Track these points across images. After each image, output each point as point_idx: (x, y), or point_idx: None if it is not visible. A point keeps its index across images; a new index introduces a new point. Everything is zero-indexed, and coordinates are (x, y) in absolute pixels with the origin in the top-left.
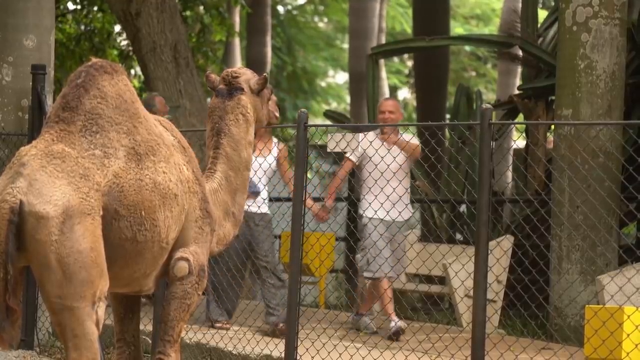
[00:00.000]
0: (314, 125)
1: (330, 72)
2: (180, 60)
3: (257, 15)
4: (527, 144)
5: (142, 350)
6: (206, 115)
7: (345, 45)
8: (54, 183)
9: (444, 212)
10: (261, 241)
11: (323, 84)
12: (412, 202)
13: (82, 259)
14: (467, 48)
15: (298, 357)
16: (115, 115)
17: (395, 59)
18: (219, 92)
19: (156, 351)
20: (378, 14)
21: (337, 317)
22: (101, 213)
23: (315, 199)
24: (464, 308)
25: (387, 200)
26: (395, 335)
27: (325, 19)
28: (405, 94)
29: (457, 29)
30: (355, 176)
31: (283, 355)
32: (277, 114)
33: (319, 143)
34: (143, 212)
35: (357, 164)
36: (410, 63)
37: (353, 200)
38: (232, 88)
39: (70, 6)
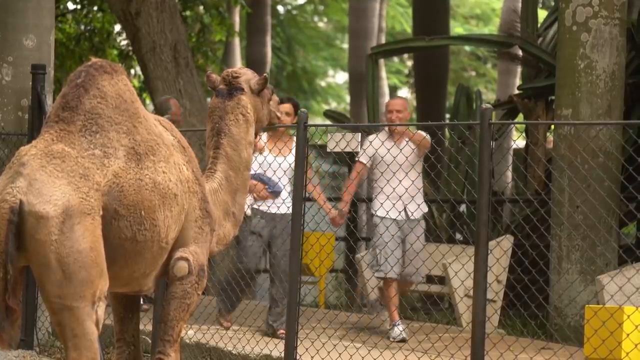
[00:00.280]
0: (314, 125)
1: (330, 72)
2: (180, 60)
3: (257, 15)
4: (526, 144)
5: (142, 350)
6: (206, 115)
7: (345, 45)
8: (54, 183)
9: (443, 212)
10: (280, 243)
11: (323, 83)
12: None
13: (82, 259)
14: (467, 48)
15: (298, 357)
16: (115, 115)
17: (395, 59)
18: (219, 92)
19: (156, 351)
20: (378, 14)
21: (336, 317)
22: (101, 213)
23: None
24: (464, 308)
25: (399, 199)
26: (400, 342)
27: (325, 19)
28: (405, 93)
29: (457, 28)
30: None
31: (283, 355)
32: (280, 115)
33: (319, 143)
34: (143, 212)
35: (368, 166)
36: (410, 63)
37: (353, 201)
38: (232, 88)
39: (70, 6)
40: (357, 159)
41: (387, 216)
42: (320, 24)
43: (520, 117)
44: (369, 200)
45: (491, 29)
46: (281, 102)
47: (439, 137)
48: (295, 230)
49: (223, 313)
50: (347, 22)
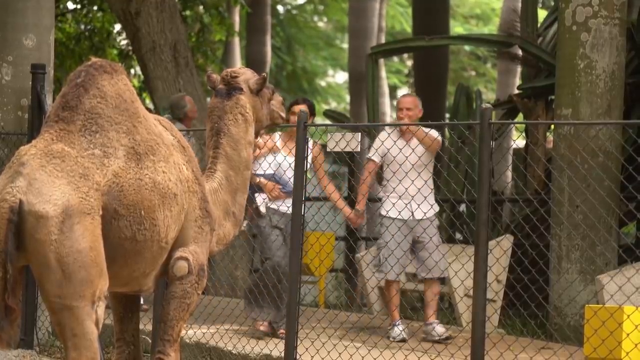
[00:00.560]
0: (314, 125)
1: (330, 72)
2: (180, 60)
3: (256, 15)
4: (526, 144)
5: (142, 350)
6: (206, 114)
7: (345, 45)
8: (54, 182)
9: (443, 212)
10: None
11: (323, 83)
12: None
13: (82, 259)
14: (467, 47)
15: (297, 357)
16: (114, 115)
17: (395, 59)
18: (218, 92)
19: (156, 350)
20: (378, 14)
21: (336, 317)
22: (101, 212)
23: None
24: (464, 307)
25: (407, 198)
26: (400, 342)
27: (325, 19)
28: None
29: (456, 28)
30: (355, 175)
31: (282, 354)
32: (284, 115)
33: (319, 142)
34: (142, 212)
35: (379, 164)
36: (410, 62)
37: (353, 200)
38: (231, 88)
39: (70, 5)
40: (368, 156)
41: (398, 217)
42: (320, 24)
43: (520, 117)
44: (378, 199)
45: (491, 28)
46: (296, 102)
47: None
48: (295, 230)
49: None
50: (347, 22)
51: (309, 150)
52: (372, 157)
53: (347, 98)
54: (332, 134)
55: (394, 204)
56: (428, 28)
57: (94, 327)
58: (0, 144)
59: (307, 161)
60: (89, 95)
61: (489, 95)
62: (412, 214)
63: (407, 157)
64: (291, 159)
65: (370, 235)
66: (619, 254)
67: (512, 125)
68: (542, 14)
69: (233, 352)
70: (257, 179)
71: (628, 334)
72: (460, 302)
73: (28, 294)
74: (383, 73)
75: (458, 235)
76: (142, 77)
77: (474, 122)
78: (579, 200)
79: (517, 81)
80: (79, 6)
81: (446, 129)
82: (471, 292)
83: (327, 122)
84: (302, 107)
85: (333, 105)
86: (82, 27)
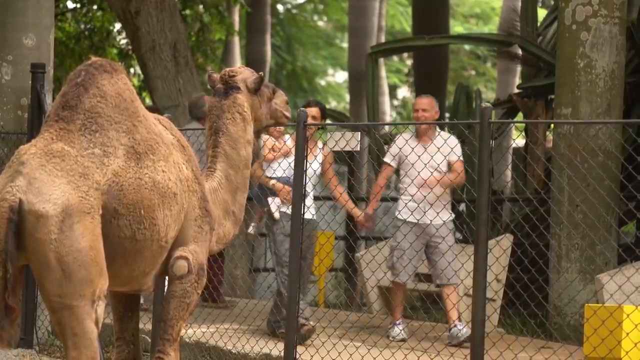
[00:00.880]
0: (314, 125)
1: (330, 71)
2: (180, 59)
3: (256, 14)
4: (526, 143)
5: (142, 349)
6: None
7: (345, 44)
8: (54, 182)
9: None
10: (305, 248)
11: (323, 82)
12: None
13: (82, 258)
14: (467, 47)
15: (297, 356)
16: (114, 114)
17: (395, 58)
18: (216, 92)
19: (155, 350)
20: (378, 13)
21: (336, 316)
22: (100, 212)
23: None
24: (463, 307)
25: (423, 201)
26: (400, 341)
27: (325, 18)
28: (404, 92)
29: (456, 27)
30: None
31: (282, 354)
32: (288, 114)
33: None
34: (142, 211)
35: (394, 166)
36: (409, 62)
37: (353, 200)
38: (229, 87)
39: (70, 5)
40: (385, 161)
41: (412, 220)
42: (320, 23)
43: (519, 116)
44: (392, 200)
45: (491, 28)
46: (308, 105)
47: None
48: (295, 229)
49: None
50: (347, 21)
51: (319, 151)
52: (389, 162)
53: (347, 97)
54: (332, 134)
55: (406, 204)
56: (428, 27)
57: (94, 327)
58: (0, 144)
59: (317, 161)
60: (88, 95)
61: (489, 95)
62: (428, 216)
63: (419, 156)
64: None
65: (369, 234)
66: (618, 253)
67: (512, 124)
68: (542, 13)
69: (233, 351)
70: (271, 182)
71: (628, 333)
72: (460, 301)
73: (28, 293)
74: (383, 72)
75: (458, 235)
76: (141, 76)
77: (474, 121)
78: (578, 200)
79: (517, 80)
80: (78, 5)
81: (446, 128)
82: (471, 291)
83: (327, 121)
84: (315, 110)
85: (333, 104)
86: (82, 26)
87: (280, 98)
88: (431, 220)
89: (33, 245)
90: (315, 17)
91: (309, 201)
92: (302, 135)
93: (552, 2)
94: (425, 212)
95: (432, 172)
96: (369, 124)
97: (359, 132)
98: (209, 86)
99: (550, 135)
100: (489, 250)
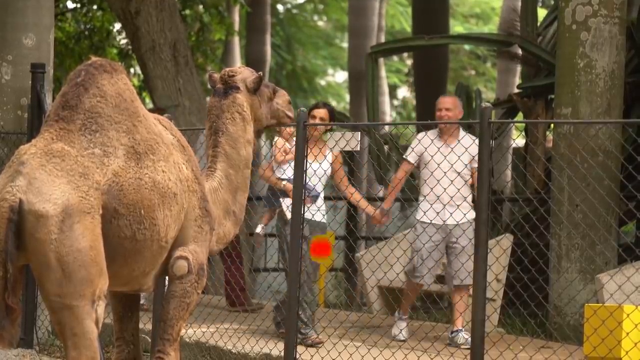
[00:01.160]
0: (314, 124)
1: (330, 71)
2: (180, 59)
3: (256, 14)
4: (526, 143)
5: (142, 349)
6: (205, 114)
7: (345, 44)
8: (54, 182)
9: None
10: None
11: (323, 82)
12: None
13: (82, 258)
14: (467, 47)
15: (297, 356)
16: (114, 114)
17: (395, 58)
18: (216, 92)
19: (155, 350)
20: (378, 13)
21: (336, 316)
22: (100, 212)
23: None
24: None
25: (444, 201)
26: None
27: (325, 18)
28: (404, 92)
29: (456, 27)
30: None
31: (282, 354)
32: (291, 114)
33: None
34: (142, 211)
35: (415, 165)
36: (409, 62)
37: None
38: (228, 87)
39: (70, 5)
40: (404, 156)
41: (436, 221)
42: (320, 23)
43: (519, 116)
44: (407, 200)
45: (491, 27)
46: (316, 107)
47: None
48: (295, 229)
49: (309, 334)
50: (347, 21)
51: (329, 152)
52: (408, 158)
53: (347, 97)
54: (332, 134)
55: (431, 204)
56: (428, 27)
57: (94, 326)
58: (0, 144)
59: (327, 161)
60: (88, 95)
61: (489, 95)
62: (449, 217)
63: (445, 156)
64: (316, 165)
65: (369, 234)
66: (618, 253)
67: (512, 124)
68: (541, 13)
69: (233, 351)
70: (282, 184)
71: (628, 333)
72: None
73: (28, 293)
74: (383, 72)
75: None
76: (141, 76)
77: (474, 121)
78: (578, 200)
79: (517, 80)
80: (78, 5)
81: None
82: (471, 292)
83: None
84: (323, 112)
85: (333, 104)
86: (82, 26)
87: (283, 98)
88: (458, 222)
89: (33, 245)
90: (315, 17)
91: (319, 202)
92: (302, 135)
93: (552, 2)
94: (451, 214)
95: (458, 173)
96: (369, 124)
97: (359, 132)
98: (209, 86)
99: (550, 135)
100: (489, 250)
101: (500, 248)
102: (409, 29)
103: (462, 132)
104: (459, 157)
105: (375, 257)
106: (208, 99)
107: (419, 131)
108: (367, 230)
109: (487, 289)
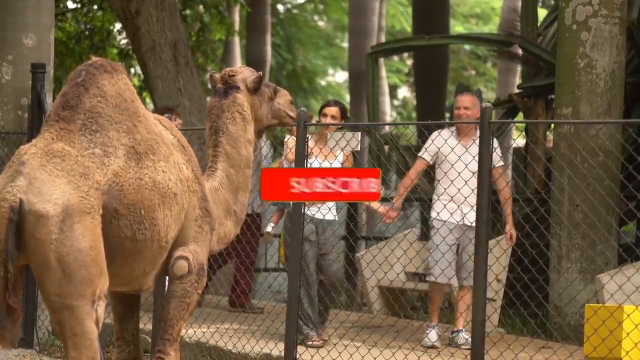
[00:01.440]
0: (314, 124)
1: (330, 71)
2: (180, 59)
3: (256, 14)
4: (526, 143)
5: (142, 349)
6: (206, 114)
7: (345, 44)
8: (54, 182)
9: None
10: (326, 250)
11: (323, 82)
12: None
13: (82, 258)
14: (467, 47)
15: (297, 356)
16: (115, 114)
17: (395, 58)
18: (216, 92)
19: (156, 350)
20: (378, 13)
21: (336, 316)
22: (101, 212)
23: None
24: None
25: (465, 200)
26: (457, 346)
27: (325, 18)
28: (404, 92)
29: (456, 27)
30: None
31: (282, 354)
32: (293, 114)
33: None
34: (142, 211)
35: (430, 163)
36: (410, 62)
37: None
38: (228, 87)
39: (70, 5)
40: (418, 155)
41: (450, 220)
42: (320, 23)
43: (520, 116)
44: (408, 200)
45: (491, 27)
46: (327, 105)
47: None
48: (295, 229)
49: (311, 335)
50: (347, 21)
51: (340, 151)
52: (423, 156)
53: (347, 97)
54: (332, 134)
55: (445, 205)
56: (428, 27)
57: (94, 326)
58: (0, 144)
59: (338, 161)
60: (89, 95)
61: (489, 95)
62: (464, 217)
63: (459, 156)
64: (327, 165)
65: (370, 234)
66: (619, 253)
67: (512, 124)
68: (542, 13)
69: (233, 351)
70: None
71: (628, 333)
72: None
73: (28, 293)
74: (383, 72)
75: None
76: (142, 76)
77: (474, 121)
78: (579, 200)
79: (517, 80)
80: (79, 5)
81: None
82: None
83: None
84: (334, 110)
85: None
86: (82, 26)
87: (285, 98)
88: (472, 223)
89: (33, 245)
90: (316, 17)
91: (330, 202)
92: (302, 135)
93: (552, 2)
94: (465, 215)
95: (473, 174)
96: (369, 124)
97: (359, 132)
98: (210, 86)
99: (550, 135)
100: (489, 250)
101: (501, 248)
102: (409, 29)
103: (478, 132)
104: (473, 157)
105: (375, 257)
106: (208, 99)
107: (421, 131)
108: (367, 230)
109: (488, 289)
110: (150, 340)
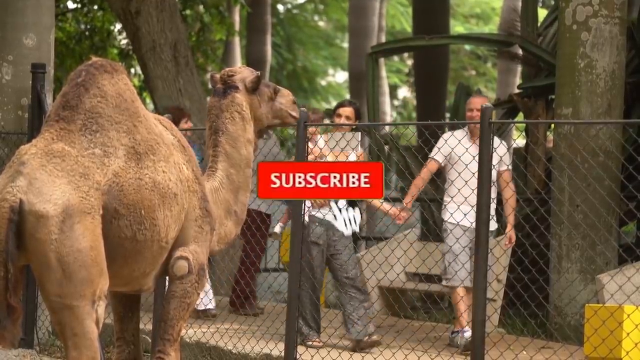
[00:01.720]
0: (314, 125)
1: (330, 71)
2: (180, 59)
3: (256, 14)
4: (527, 143)
5: (142, 349)
6: (206, 114)
7: (345, 44)
8: (54, 182)
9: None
10: (340, 252)
11: (323, 82)
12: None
13: (82, 258)
14: (467, 47)
15: (297, 356)
16: (115, 114)
17: (395, 58)
18: (215, 92)
19: (156, 350)
20: (378, 13)
21: (336, 316)
22: (101, 212)
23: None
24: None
25: (472, 202)
26: (465, 350)
27: (325, 18)
28: (405, 92)
29: (457, 27)
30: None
31: (283, 354)
32: (295, 114)
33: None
34: (143, 211)
35: (442, 165)
36: (410, 62)
37: (353, 200)
38: (227, 87)
39: (70, 5)
40: (431, 155)
41: (464, 222)
42: (321, 23)
43: (520, 116)
44: (433, 201)
45: (491, 28)
46: (342, 105)
47: (439, 136)
48: (296, 229)
49: (311, 335)
50: (347, 21)
51: (352, 152)
52: (435, 157)
53: (347, 97)
54: (332, 134)
55: (458, 206)
56: (428, 27)
57: (94, 327)
58: (0, 144)
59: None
60: (89, 95)
61: (489, 95)
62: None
63: (473, 156)
64: None
65: (370, 234)
66: (619, 254)
67: (513, 124)
68: (542, 13)
69: (233, 351)
70: None
71: (628, 333)
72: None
73: (28, 293)
74: (383, 72)
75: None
76: (142, 76)
77: (474, 121)
78: (579, 200)
79: (518, 80)
80: (79, 5)
81: (446, 129)
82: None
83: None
84: (349, 110)
85: (333, 104)
86: (83, 26)
87: (287, 98)
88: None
89: (33, 245)
90: (316, 17)
91: (341, 203)
92: (302, 135)
93: (553, 2)
94: (472, 209)
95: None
96: (369, 124)
97: (359, 132)
98: (210, 86)
99: (550, 136)
100: (489, 250)
101: (501, 248)
102: (409, 29)
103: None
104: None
105: (375, 258)
106: (208, 99)
107: (421, 131)
108: (367, 230)
109: (488, 289)
110: (150, 341)
